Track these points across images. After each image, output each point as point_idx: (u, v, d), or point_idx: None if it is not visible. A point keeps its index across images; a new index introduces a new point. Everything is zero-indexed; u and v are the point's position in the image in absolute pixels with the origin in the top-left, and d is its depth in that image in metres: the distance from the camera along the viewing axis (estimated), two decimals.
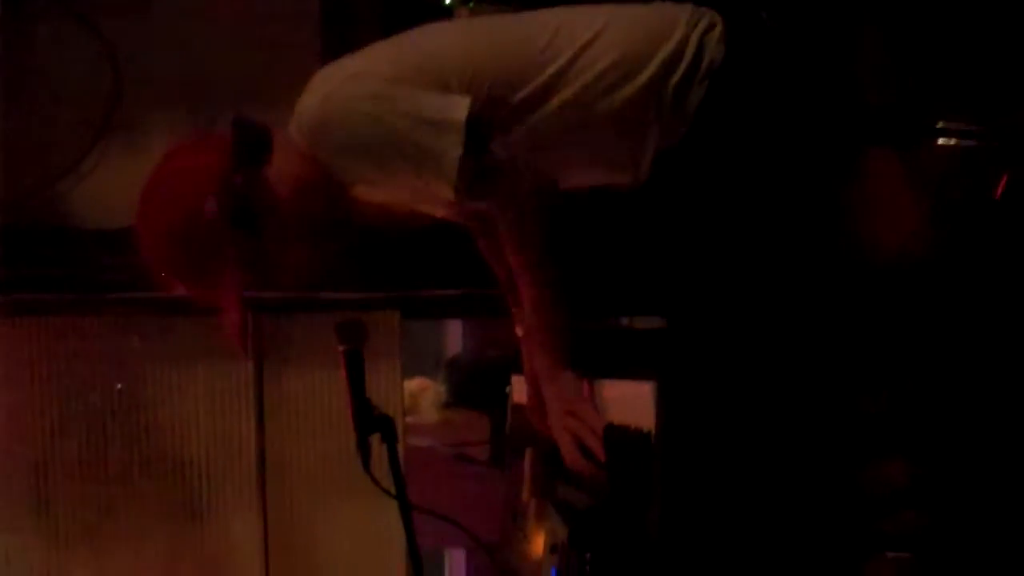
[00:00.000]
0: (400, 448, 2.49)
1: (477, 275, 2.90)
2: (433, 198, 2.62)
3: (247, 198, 2.37)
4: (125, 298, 3.76)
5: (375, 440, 2.46)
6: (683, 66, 2.40)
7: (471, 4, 3.94)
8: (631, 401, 2.51)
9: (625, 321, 3.72)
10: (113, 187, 3.78)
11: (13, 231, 3.74)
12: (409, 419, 4.34)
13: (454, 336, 5.47)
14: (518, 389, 3.00)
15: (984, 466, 2.99)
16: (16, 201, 3.76)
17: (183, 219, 2.35)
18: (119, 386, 3.83)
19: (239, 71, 3.83)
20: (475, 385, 4.86)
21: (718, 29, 2.44)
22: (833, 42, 2.90)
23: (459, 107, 2.30)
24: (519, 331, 2.77)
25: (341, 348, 2.46)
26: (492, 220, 2.69)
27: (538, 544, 3.02)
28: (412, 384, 4.78)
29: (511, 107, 2.38)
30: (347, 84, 2.35)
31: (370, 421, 2.46)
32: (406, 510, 2.46)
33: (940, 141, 3.16)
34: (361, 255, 3.83)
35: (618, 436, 2.51)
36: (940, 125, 3.11)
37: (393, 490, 2.46)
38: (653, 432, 2.50)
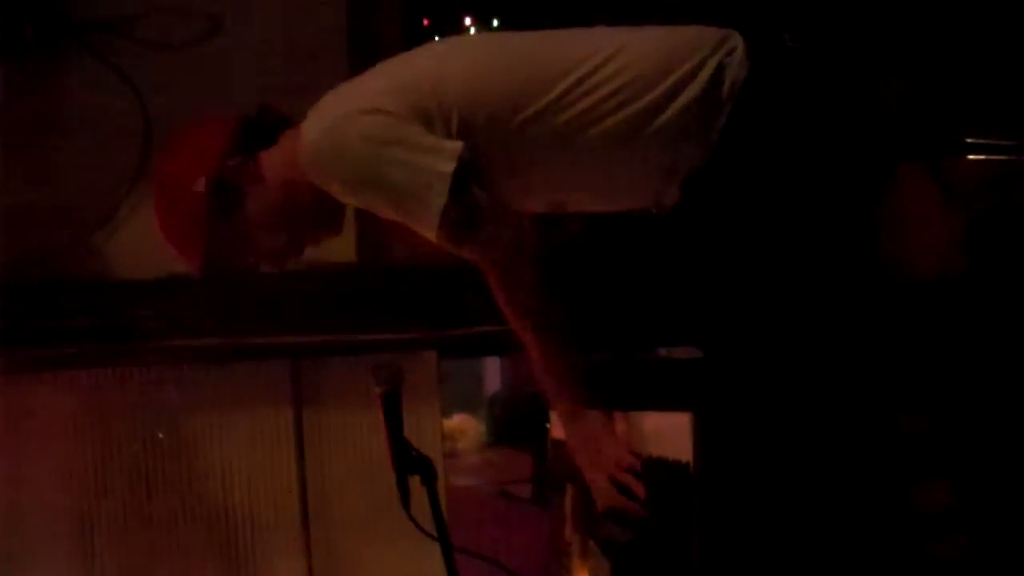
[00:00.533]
0: (442, 488, 2.48)
1: None
2: None
3: (233, 184, 2.53)
4: (162, 347, 3.79)
5: (416, 481, 2.46)
6: (699, 88, 2.39)
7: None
8: (669, 432, 2.48)
9: (663, 352, 3.70)
10: (147, 237, 3.76)
11: (49, 284, 3.76)
12: (450, 459, 4.33)
13: (493, 371, 5.47)
14: (557, 425, 2.98)
15: None
16: (51, 253, 3.78)
17: (174, 187, 2.56)
18: (160, 435, 3.84)
19: None
20: (516, 422, 4.85)
21: (739, 51, 2.43)
22: (858, 61, 2.88)
23: (449, 156, 2.33)
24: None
25: (378, 390, 2.47)
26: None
27: None
28: (453, 422, 4.78)
29: (516, 126, 2.39)
30: (347, 121, 2.40)
31: (409, 462, 2.46)
32: (448, 551, 2.46)
33: (970, 157, 3.14)
34: (396, 296, 3.84)
35: (657, 468, 2.50)
36: (969, 141, 3.09)
37: (435, 531, 2.45)
38: (692, 463, 2.48)
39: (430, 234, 2.37)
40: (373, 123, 2.36)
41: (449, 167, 2.32)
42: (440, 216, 2.32)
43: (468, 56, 2.50)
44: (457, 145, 2.34)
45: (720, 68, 2.40)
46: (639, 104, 2.39)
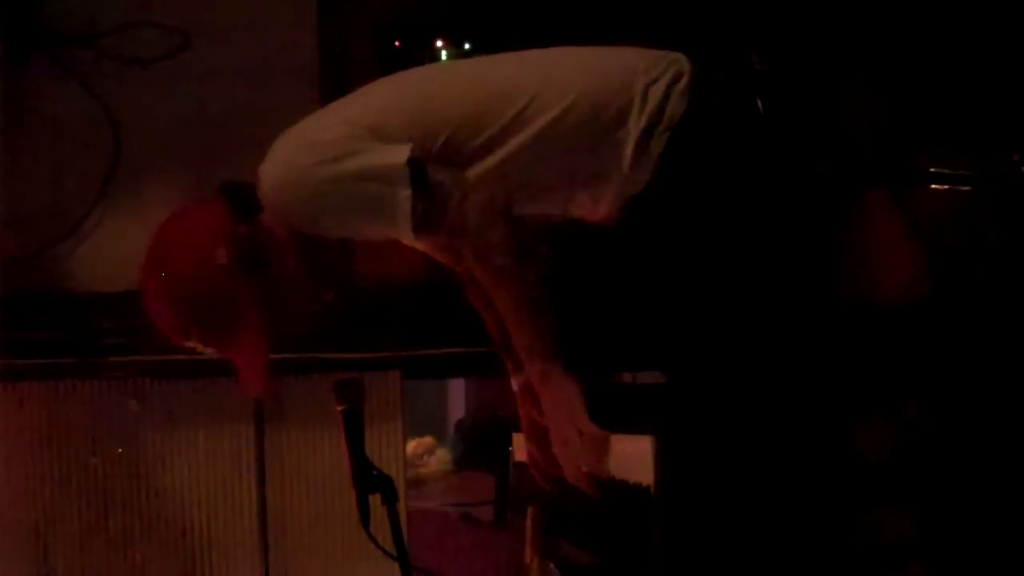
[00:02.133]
0: (403, 509, 2.47)
1: (478, 334, 2.89)
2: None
3: (254, 243, 2.45)
4: (124, 362, 3.77)
5: (376, 500, 2.45)
6: (639, 116, 2.41)
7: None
8: (631, 456, 2.49)
9: (629, 377, 3.71)
10: (113, 250, 3.79)
11: (12, 295, 3.74)
12: (412, 476, 4.32)
13: (457, 396, 5.46)
14: (519, 448, 2.98)
15: (989, 515, 2.96)
16: (15, 265, 3.77)
17: (195, 271, 2.42)
18: (120, 450, 3.82)
19: (238, 130, 3.84)
20: (480, 446, 4.85)
21: (684, 81, 2.44)
22: (825, 87, 2.89)
23: (400, 152, 2.35)
24: (514, 384, 2.76)
25: (339, 408, 2.45)
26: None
27: None
28: (410, 446, 4.77)
29: (466, 155, 2.41)
30: (299, 156, 2.40)
31: (370, 481, 2.44)
32: (407, 571, 2.44)
33: (934, 186, 3.16)
34: (362, 315, 3.83)
35: (618, 492, 2.49)
36: (933, 170, 3.11)
37: (394, 551, 2.43)
38: (653, 486, 2.48)
39: (406, 234, 2.38)
40: (324, 149, 2.38)
41: (402, 158, 2.33)
42: (409, 208, 2.33)
43: (413, 96, 2.50)
44: (406, 145, 2.36)
45: (664, 98, 2.42)
46: (589, 127, 2.41)
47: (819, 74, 3.16)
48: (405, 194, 2.32)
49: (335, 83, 3.94)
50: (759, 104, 2.48)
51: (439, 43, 4.03)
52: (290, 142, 2.47)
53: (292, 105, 3.89)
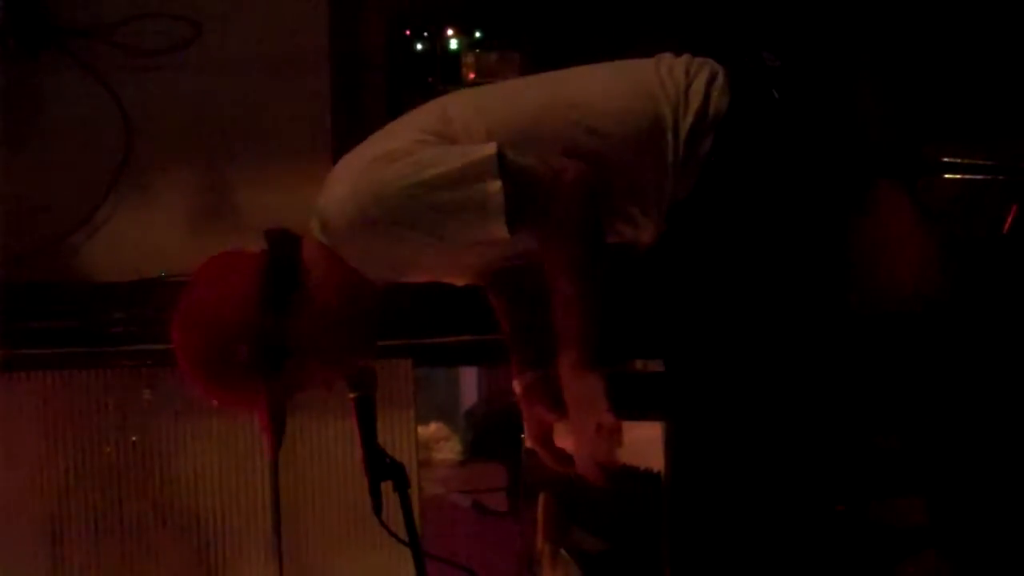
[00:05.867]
0: (415, 495, 2.47)
1: (489, 322, 2.90)
2: (461, 267, 2.61)
3: (276, 344, 2.36)
4: (137, 351, 3.79)
5: (388, 488, 2.45)
6: (686, 119, 2.40)
7: (477, 50, 3.98)
8: (641, 443, 2.49)
9: (640, 364, 3.71)
10: (124, 240, 3.81)
11: (25, 285, 3.76)
12: (423, 459, 4.34)
13: (470, 384, 5.47)
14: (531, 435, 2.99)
15: (1003, 506, 2.97)
16: (28, 255, 3.78)
17: (217, 360, 2.36)
18: (133, 439, 3.84)
19: (248, 123, 3.86)
20: (492, 435, 4.85)
21: (720, 79, 2.43)
22: (835, 79, 2.88)
23: (482, 148, 2.26)
24: (517, 388, 2.75)
25: (351, 395, 2.46)
26: (509, 275, 2.68)
27: None
28: (429, 430, 4.78)
29: None
30: (371, 168, 2.30)
31: (382, 468, 2.45)
32: (419, 558, 2.45)
33: (946, 176, 3.15)
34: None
35: (628, 478, 2.50)
36: (946, 160, 3.10)
37: (407, 538, 2.44)
38: (663, 473, 2.49)
39: (500, 228, 2.26)
40: (398, 157, 2.28)
41: (491, 150, 2.25)
42: (503, 201, 2.23)
43: (472, 106, 2.45)
44: (489, 143, 2.28)
45: (705, 98, 2.40)
46: (640, 137, 2.40)
47: (830, 65, 3.15)
48: (496, 186, 2.24)
49: (346, 73, 3.95)
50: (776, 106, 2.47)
51: (449, 32, 4.03)
52: (354, 161, 2.37)
53: (303, 95, 3.92)
